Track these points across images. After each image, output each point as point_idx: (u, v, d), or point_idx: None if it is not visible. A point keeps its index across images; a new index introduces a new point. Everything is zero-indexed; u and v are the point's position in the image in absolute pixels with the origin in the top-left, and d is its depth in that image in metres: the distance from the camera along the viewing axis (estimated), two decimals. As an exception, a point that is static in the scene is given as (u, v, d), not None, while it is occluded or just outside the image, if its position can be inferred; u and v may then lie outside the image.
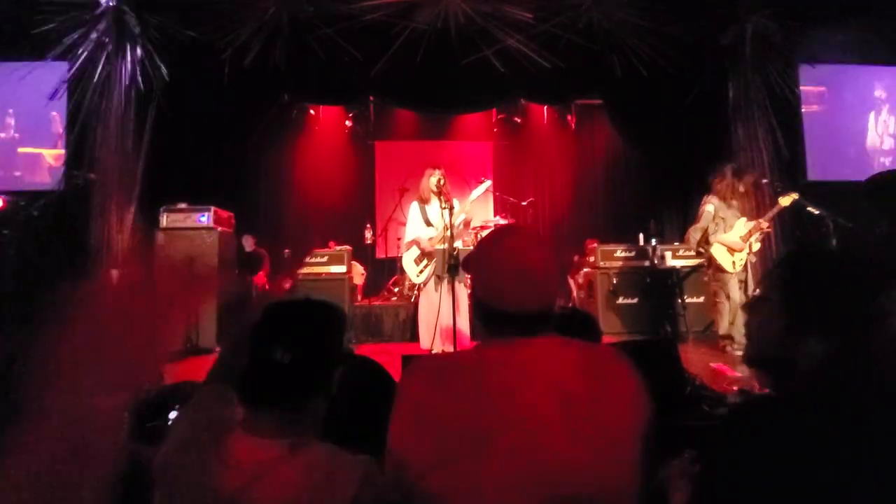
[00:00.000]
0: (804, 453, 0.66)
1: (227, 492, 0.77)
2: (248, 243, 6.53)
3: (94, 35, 4.89)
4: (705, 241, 4.28)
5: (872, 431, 0.66)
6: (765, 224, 4.17)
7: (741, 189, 4.25)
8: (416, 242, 4.08)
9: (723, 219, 4.21)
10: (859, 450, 0.66)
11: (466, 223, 4.09)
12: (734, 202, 4.27)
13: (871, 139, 6.11)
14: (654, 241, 5.59)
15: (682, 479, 0.89)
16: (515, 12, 5.08)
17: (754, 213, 4.64)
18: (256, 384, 0.86)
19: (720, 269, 4.22)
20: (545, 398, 0.82)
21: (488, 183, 4.20)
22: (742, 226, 4.20)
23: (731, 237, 4.19)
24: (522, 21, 5.09)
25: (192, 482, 0.80)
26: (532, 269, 0.90)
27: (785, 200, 4.11)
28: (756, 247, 4.21)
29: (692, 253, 5.48)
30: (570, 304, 6.49)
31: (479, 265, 0.95)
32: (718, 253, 4.21)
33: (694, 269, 5.32)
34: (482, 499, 0.78)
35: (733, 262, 4.17)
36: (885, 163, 6.08)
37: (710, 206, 4.24)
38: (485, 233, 3.95)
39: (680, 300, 5.22)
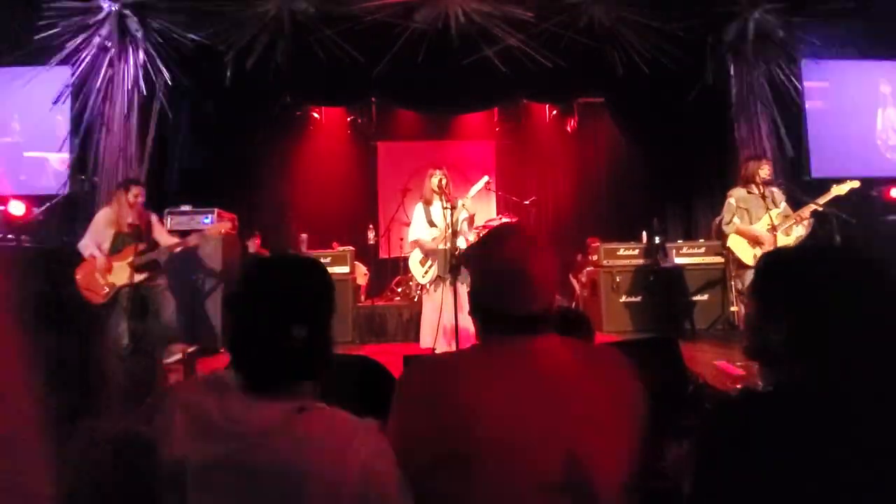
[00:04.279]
0: (792, 444, 0.68)
1: (232, 454, 0.76)
2: (253, 244, 6.56)
3: (96, 39, 4.93)
4: (721, 232, 4.01)
5: (860, 424, 0.68)
6: (806, 211, 3.80)
7: (764, 174, 3.89)
8: (417, 244, 4.08)
9: (746, 210, 3.90)
10: (846, 444, 0.67)
11: (470, 220, 4.09)
12: (759, 189, 3.86)
13: (878, 135, 6.06)
14: (657, 239, 5.57)
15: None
16: (516, 11, 5.08)
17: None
18: (262, 369, 0.82)
19: (740, 264, 3.93)
20: (542, 397, 0.82)
21: (486, 179, 4.19)
22: (775, 217, 3.81)
23: (756, 227, 3.85)
24: (523, 20, 5.09)
25: (195, 447, 0.79)
26: (528, 270, 0.90)
27: (841, 189, 3.76)
28: (786, 240, 3.78)
29: (696, 250, 5.47)
30: (574, 303, 6.48)
31: (476, 265, 0.96)
32: (736, 245, 3.92)
33: (702, 266, 5.31)
34: (481, 497, 0.78)
35: (754, 256, 3.80)
36: (891, 158, 6.03)
37: (731, 198, 3.97)
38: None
39: (684, 297, 5.21)
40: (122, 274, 3.73)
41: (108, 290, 3.71)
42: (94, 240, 3.77)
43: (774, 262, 0.86)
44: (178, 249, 3.91)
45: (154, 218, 3.99)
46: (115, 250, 3.74)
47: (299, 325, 0.81)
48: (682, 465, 0.95)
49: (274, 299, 0.84)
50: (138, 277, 3.72)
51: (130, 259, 3.71)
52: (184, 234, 4.67)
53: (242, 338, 0.85)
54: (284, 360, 0.81)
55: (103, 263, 3.71)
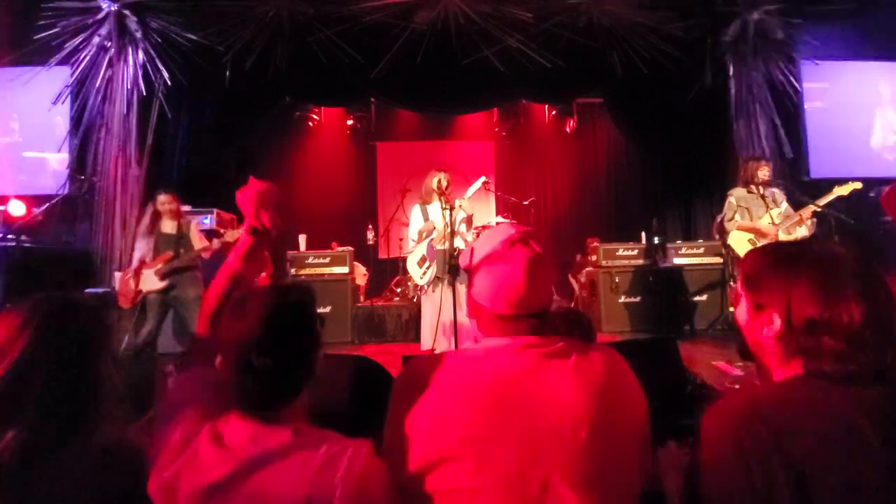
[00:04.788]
0: (787, 442, 0.67)
1: (228, 479, 0.76)
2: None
3: (96, 40, 4.93)
4: (723, 230, 4.05)
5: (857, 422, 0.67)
6: (808, 211, 3.81)
7: (763, 175, 3.95)
8: (419, 236, 4.08)
9: (746, 209, 3.95)
10: (842, 440, 0.66)
11: (468, 220, 4.09)
12: (759, 190, 3.93)
13: (876, 135, 6.07)
14: (656, 240, 5.57)
15: (674, 469, 0.89)
16: (515, 12, 5.08)
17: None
18: (245, 390, 0.84)
19: (739, 262, 3.88)
20: (538, 397, 0.82)
21: (483, 179, 4.21)
22: (776, 216, 3.88)
23: (760, 222, 3.87)
24: (522, 20, 5.09)
25: (197, 475, 0.79)
26: (525, 271, 0.90)
27: (843, 189, 3.79)
28: (788, 237, 3.79)
29: (695, 251, 5.47)
30: (573, 304, 6.48)
31: (472, 265, 0.96)
32: (736, 242, 3.95)
33: (701, 266, 5.31)
34: (477, 496, 0.78)
35: None
36: (890, 159, 6.04)
37: (732, 197, 4.03)
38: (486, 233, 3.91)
39: (683, 298, 5.21)
40: (150, 280, 3.82)
41: (136, 295, 3.81)
42: (140, 249, 3.88)
43: (763, 258, 0.84)
44: (208, 255, 3.92)
45: (193, 222, 4.05)
46: (154, 258, 3.85)
47: (272, 351, 0.83)
48: (672, 464, 0.95)
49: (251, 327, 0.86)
50: (162, 284, 3.79)
51: (158, 266, 3.80)
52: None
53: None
54: (265, 382, 0.83)
55: (135, 269, 3.83)
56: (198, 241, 3.97)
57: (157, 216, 3.84)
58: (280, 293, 0.90)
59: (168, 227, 3.88)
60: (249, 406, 0.84)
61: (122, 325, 3.77)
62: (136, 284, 3.81)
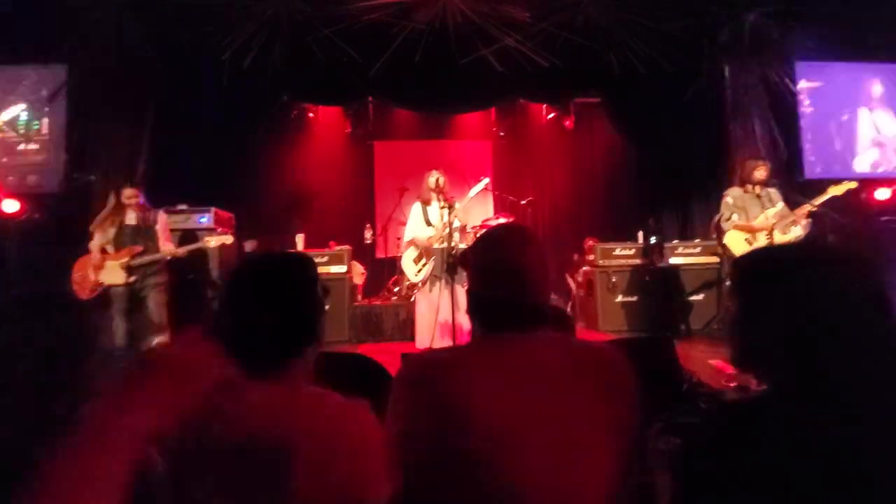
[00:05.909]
0: (780, 454, 0.66)
1: (232, 436, 0.77)
2: (249, 244, 6.54)
3: (95, 37, 4.91)
4: (719, 230, 4.08)
5: (852, 431, 0.66)
6: (803, 211, 3.85)
7: (760, 175, 3.98)
8: (413, 242, 4.09)
9: (743, 209, 3.98)
10: (837, 449, 0.65)
11: (462, 229, 4.09)
12: (755, 189, 3.96)
13: (868, 136, 6.11)
14: (653, 239, 5.59)
15: (667, 465, 0.90)
16: (513, 12, 5.09)
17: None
18: (246, 348, 0.85)
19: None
20: (536, 392, 0.83)
21: (486, 181, 4.21)
22: (771, 216, 3.91)
23: (756, 222, 3.91)
24: (520, 20, 5.10)
25: (198, 430, 0.78)
26: (524, 265, 0.92)
27: (838, 189, 3.82)
28: (784, 238, 3.79)
29: (692, 251, 5.49)
30: (570, 303, 6.50)
31: (474, 260, 0.98)
32: (733, 242, 3.98)
33: (698, 266, 5.33)
34: (476, 491, 0.79)
35: None
36: (884, 160, 6.08)
37: (728, 197, 4.06)
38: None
39: (680, 297, 5.23)
40: (114, 273, 3.81)
41: (95, 287, 3.78)
42: (98, 240, 3.86)
43: (756, 261, 0.81)
44: (169, 258, 3.95)
45: (161, 219, 4.04)
46: (116, 250, 3.84)
47: (273, 307, 0.87)
48: (666, 461, 0.96)
49: (253, 286, 0.91)
50: (131, 278, 3.80)
51: (124, 260, 3.79)
52: (184, 233, 4.68)
53: (231, 323, 0.90)
54: (266, 339, 0.86)
55: (97, 260, 3.81)
56: (164, 239, 3.97)
57: (120, 209, 3.84)
58: (278, 255, 0.96)
59: (131, 218, 3.89)
60: (248, 366, 0.84)
61: (113, 320, 3.76)
62: (97, 276, 3.78)
